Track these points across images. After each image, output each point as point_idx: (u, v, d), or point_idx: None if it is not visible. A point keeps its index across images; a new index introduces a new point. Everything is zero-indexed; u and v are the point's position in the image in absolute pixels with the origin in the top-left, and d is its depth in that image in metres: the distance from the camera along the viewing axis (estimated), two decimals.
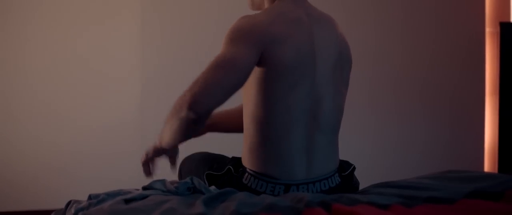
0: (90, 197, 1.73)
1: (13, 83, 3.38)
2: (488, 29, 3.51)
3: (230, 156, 2.00)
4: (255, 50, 1.69)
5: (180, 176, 2.07)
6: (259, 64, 1.72)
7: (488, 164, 3.52)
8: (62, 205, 1.80)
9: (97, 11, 3.40)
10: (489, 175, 1.86)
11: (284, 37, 1.73)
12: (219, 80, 1.63)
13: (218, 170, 1.88)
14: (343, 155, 1.91)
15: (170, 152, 1.72)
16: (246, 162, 1.82)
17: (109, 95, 3.42)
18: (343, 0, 3.40)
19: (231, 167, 1.85)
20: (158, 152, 1.71)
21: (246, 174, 1.81)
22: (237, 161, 1.87)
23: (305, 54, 1.75)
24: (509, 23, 3.34)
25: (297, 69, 1.74)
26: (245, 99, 1.80)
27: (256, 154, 1.79)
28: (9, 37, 3.36)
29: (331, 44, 1.80)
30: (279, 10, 1.79)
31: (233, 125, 2.09)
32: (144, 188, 1.78)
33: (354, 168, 1.92)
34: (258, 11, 1.84)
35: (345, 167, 1.89)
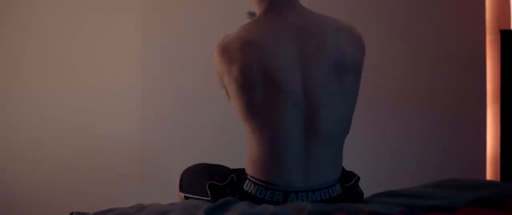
0: None
1: (10, 90, 3.38)
2: (488, 37, 3.50)
3: (228, 165, 2.00)
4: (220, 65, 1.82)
5: (181, 187, 2.07)
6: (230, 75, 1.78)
7: (490, 172, 3.51)
8: None
9: (97, 18, 3.40)
10: (491, 183, 1.87)
11: (240, 54, 1.76)
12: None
13: (220, 181, 1.89)
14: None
15: None
16: (247, 169, 1.83)
17: (109, 105, 3.42)
18: (343, 7, 3.40)
19: (234, 176, 1.86)
20: None
21: (247, 180, 1.81)
22: (239, 170, 1.88)
23: (273, 66, 1.75)
24: (509, 31, 3.33)
25: (265, 82, 1.74)
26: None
27: (255, 160, 1.79)
28: (7, 43, 3.36)
29: (320, 53, 1.78)
30: (252, 26, 1.83)
31: None
32: None
33: (358, 178, 1.91)
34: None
35: (349, 177, 1.89)
